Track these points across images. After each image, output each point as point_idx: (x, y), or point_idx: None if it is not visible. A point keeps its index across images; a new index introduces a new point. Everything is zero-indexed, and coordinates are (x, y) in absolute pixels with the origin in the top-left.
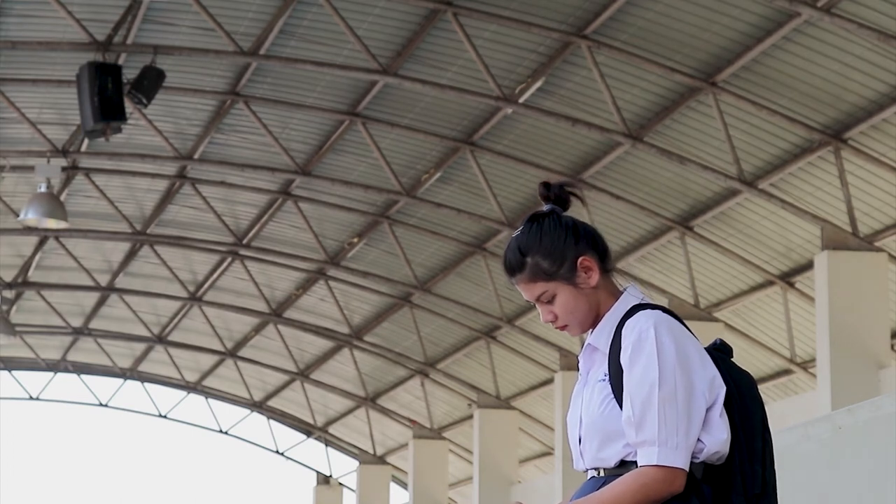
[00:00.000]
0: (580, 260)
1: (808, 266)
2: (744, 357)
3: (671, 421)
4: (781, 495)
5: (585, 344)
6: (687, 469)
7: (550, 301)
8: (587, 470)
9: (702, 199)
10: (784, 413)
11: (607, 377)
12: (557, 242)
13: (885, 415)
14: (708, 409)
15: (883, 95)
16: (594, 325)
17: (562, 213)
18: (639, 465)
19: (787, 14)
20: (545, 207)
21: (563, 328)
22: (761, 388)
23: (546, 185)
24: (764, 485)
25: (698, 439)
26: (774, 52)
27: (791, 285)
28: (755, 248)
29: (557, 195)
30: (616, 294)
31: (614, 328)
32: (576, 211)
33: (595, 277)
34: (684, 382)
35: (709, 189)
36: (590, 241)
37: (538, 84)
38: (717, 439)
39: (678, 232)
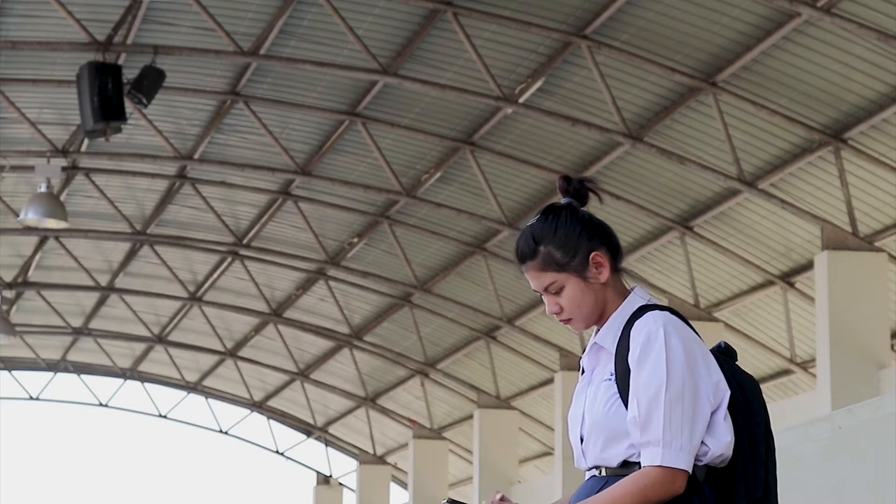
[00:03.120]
0: (592, 255)
1: (808, 266)
2: (744, 357)
3: (676, 422)
4: (782, 495)
5: (591, 342)
6: (689, 471)
7: (558, 293)
8: (588, 469)
9: (702, 199)
10: (784, 413)
11: (613, 377)
12: (571, 235)
13: (885, 415)
14: (712, 413)
15: (883, 95)
16: (599, 322)
17: (578, 208)
18: (642, 465)
19: (787, 14)
20: (563, 201)
21: (566, 321)
22: (761, 388)
23: (566, 179)
24: (766, 488)
25: (702, 442)
26: (774, 52)
27: (791, 285)
28: (755, 248)
29: (577, 190)
30: (624, 294)
31: (621, 328)
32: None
33: (605, 274)
34: (691, 385)
35: (709, 189)
36: (604, 237)
37: (538, 84)
38: (721, 442)
39: (678, 232)
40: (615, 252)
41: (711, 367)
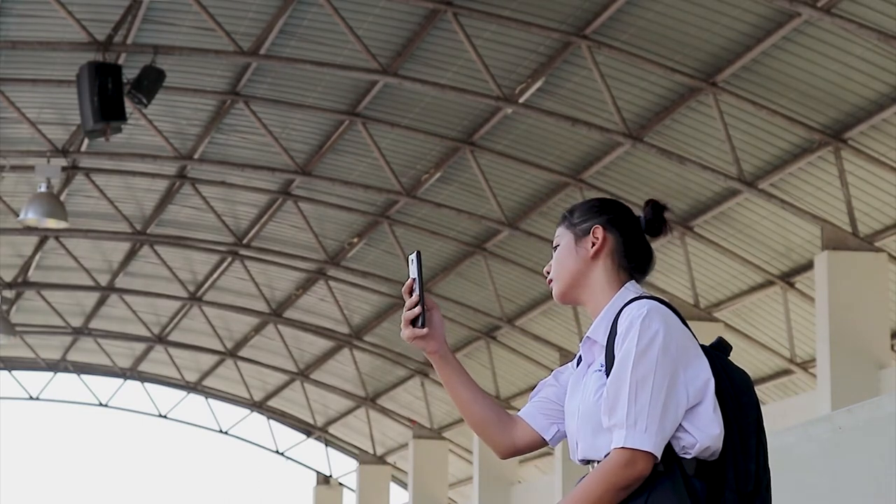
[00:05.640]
0: (594, 228)
1: (808, 266)
2: (744, 357)
3: (643, 404)
4: (782, 495)
5: (585, 337)
6: (657, 454)
7: (556, 248)
8: (580, 461)
9: (702, 199)
10: (784, 413)
11: (603, 368)
12: (595, 210)
13: (885, 415)
14: (698, 404)
15: (883, 95)
16: (576, 298)
17: (640, 225)
18: (611, 449)
19: (787, 14)
20: (639, 215)
21: (550, 283)
22: (761, 388)
23: (654, 206)
24: (757, 483)
25: (689, 433)
26: (774, 52)
27: (791, 285)
28: (755, 248)
29: (652, 220)
30: (617, 289)
31: (612, 321)
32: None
33: (599, 252)
34: (665, 370)
35: (709, 189)
36: (619, 228)
37: (538, 84)
38: (709, 435)
39: (678, 232)
40: (632, 255)
41: (693, 357)
